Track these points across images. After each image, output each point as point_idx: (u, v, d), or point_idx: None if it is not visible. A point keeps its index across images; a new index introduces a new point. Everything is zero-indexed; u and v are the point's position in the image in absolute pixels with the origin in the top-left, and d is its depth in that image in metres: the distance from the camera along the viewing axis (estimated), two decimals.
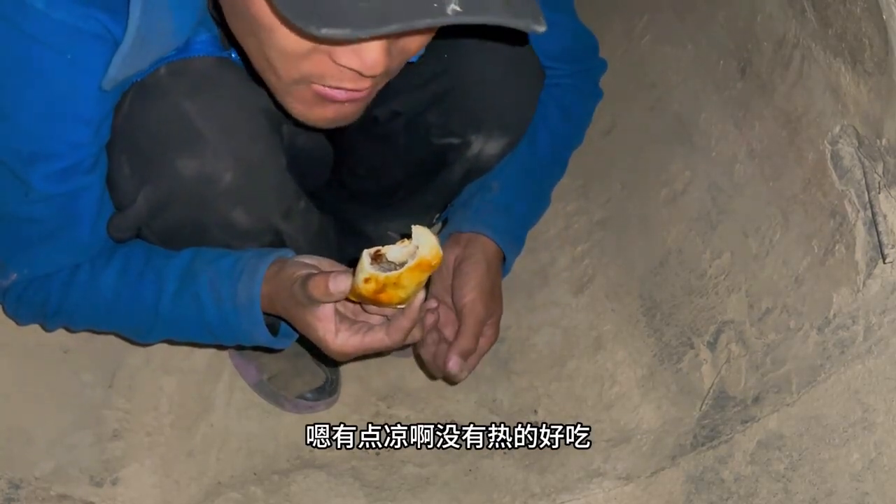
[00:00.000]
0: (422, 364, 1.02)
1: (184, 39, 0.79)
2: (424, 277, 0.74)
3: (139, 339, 0.92)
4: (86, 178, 0.80)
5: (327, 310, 0.78)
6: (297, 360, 1.16)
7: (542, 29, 0.63)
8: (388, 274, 0.71)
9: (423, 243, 0.72)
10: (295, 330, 0.84)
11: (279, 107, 0.79)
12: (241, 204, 0.83)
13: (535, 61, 0.97)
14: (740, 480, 0.90)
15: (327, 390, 1.17)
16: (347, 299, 0.78)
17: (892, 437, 0.78)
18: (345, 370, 1.22)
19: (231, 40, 0.78)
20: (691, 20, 1.37)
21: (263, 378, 1.16)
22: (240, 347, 1.13)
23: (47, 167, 0.77)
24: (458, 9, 0.58)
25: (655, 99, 1.41)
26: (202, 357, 1.16)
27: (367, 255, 0.72)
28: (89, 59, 0.73)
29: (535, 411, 1.18)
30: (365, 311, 0.82)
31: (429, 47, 0.76)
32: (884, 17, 0.80)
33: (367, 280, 0.72)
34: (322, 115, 0.75)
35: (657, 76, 1.43)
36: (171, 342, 1.01)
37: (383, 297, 0.74)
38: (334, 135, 1.06)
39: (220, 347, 1.16)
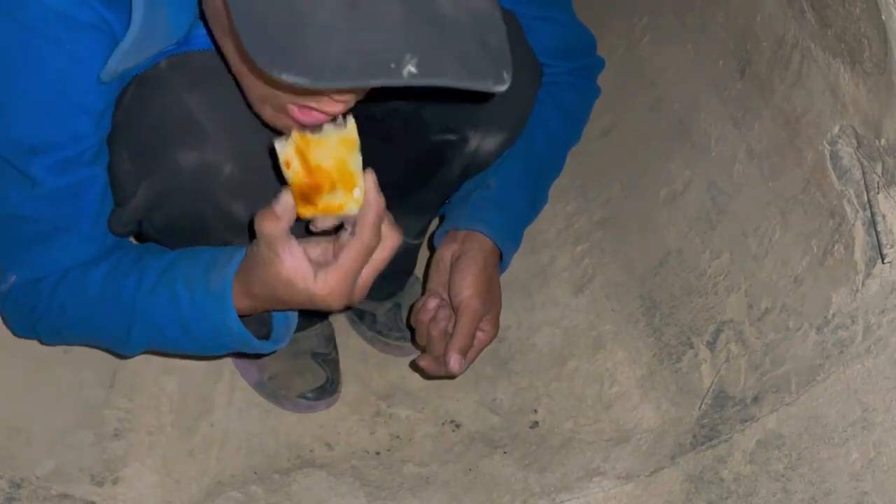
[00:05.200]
0: (416, 367, 1.02)
1: (182, 34, 0.79)
2: (351, 154, 0.69)
3: (120, 346, 0.88)
4: (87, 170, 0.80)
5: (296, 256, 0.72)
6: (297, 360, 1.17)
7: (502, 88, 0.62)
8: (304, 133, 0.67)
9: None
10: (283, 326, 0.81)
11: None
12: (241, 197, 0.83)
13: (532, 57, 0.97)
14: (739, 480, 0.90)
15: (328, 390, 1.17)
16: (303, 226, 0.72)
17: (891, 436, 0.78)
18: (345, 370, 1.22)
19: None
20: (691, 20, 1.37)
21: (264, 378, 1.16)
22: (238, 355, 1.12)
23: (48, 158, 0.77)
24: (413, 70, 0.58)
25: (655, 99, 1.41)
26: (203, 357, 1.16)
27: (276, 141, 0.68)
28: (87, 50, 0.74)
29: (535, 411, 1.18)
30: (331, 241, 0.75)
31: None
32: (883, 17, 0.80)
33: (288, 163, 0.67)
34: (291, 125, 0.75)
35: (657, 76, 1.44)
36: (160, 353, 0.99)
37: (320, 175, 0.68)
38: None
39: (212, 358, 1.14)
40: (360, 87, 0.66)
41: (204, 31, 0.82)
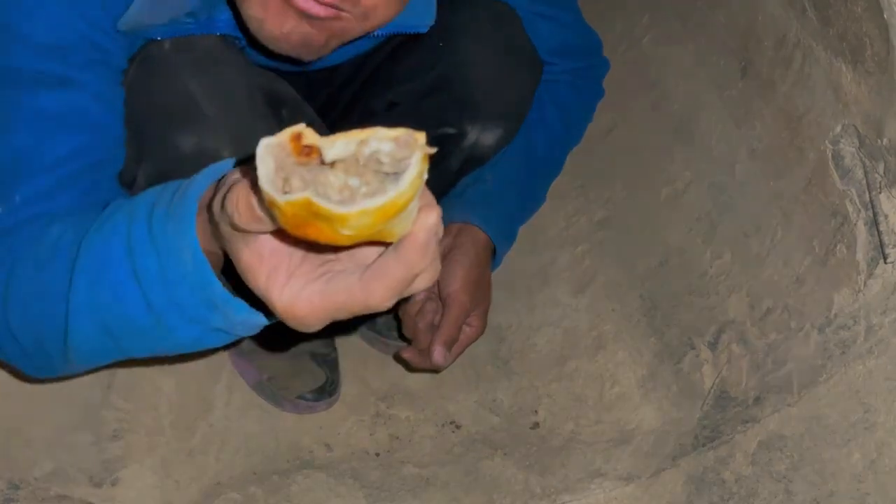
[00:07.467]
0: (400, 359, 1.02)
1: (199, 2, 0.79)
2: (399, 215, 0.42)
3: (59, 342, 0.67)
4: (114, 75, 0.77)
5: (270, 244, 0.50)
6: (296, 361, 1.16)
7: None
8: (322, 204, 0.39)
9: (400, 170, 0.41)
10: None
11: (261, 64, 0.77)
12: None
13: (531, 51, 0.97)
14: (741, 481, 0.90)
15: (327, 390, 1.17)
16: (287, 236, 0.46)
17: (894, 437, 0.78)
18: (344, 370, 1.21)
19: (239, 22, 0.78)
20: (692, 20, 1.37)
21: (263, 378, 1.16)
22: (228, 347, 1.12)
23: (77, 56, 0.74)
24: None
25: (656, 99, 1.41)
26: (201, 357, 1.16)
27: (264, 148, 0.40)
28: None
29: (536, 411, 1.17)
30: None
31: (424, 37, 0.76)
32: (885, 16, 0.80)
33: (272, 204, 0.41)
34: (281, 29, 0.71)
35: (658, 76, 1.43)
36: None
37: (311, 232, 0.41)
38: (334, 128, 1.06)
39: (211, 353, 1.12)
40: None
41: (225, 17, 0.82)
